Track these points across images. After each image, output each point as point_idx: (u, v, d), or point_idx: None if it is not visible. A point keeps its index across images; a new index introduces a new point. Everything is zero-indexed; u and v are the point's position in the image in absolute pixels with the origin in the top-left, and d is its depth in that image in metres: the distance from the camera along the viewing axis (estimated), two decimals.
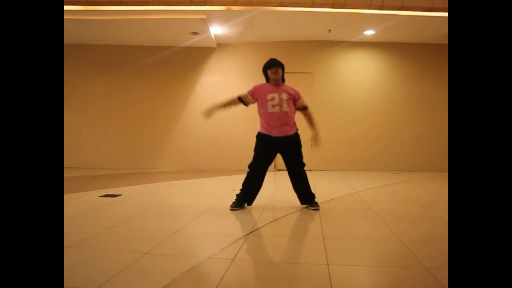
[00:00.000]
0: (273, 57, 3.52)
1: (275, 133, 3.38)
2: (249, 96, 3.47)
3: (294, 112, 3.48)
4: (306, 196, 3.55)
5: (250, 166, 3.48)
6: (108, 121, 7.62)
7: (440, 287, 1.71)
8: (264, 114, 3.41)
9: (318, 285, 1.76)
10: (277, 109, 3.34)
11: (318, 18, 6.03)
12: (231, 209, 3.40)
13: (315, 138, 3.54)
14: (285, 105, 3.35)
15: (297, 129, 3.49)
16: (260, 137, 3.46)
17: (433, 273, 1.87)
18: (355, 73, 7.58)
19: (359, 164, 7.44)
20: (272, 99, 3.35)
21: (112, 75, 7.60)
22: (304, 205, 3.58)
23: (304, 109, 3.52)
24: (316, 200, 3.55)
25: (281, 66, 3.44)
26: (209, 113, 3.48)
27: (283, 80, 3.50)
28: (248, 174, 3.48)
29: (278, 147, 3.44)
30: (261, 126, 3.47)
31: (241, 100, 3.48)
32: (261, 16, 5.88)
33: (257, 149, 3.47)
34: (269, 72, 3.43)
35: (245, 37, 7.13)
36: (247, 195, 3.50)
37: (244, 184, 3.50)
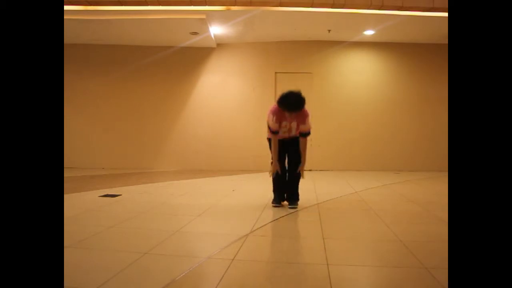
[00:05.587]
0: (289, 91, 3.34)
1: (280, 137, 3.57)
2: (276, 125, 3.45)
3: None
4: (292, 194, 3.64)
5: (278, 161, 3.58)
6: (108, 121, 7.62)
7: (440, 287, 1.71)
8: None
9: (318, 285, 1.76)
10: (286, 134, 3.55)
11: (318, 18, 6.02)
12: (273, 206, 3.61)
13: (301, 168, 3.53)
14: (293, 131, 3.54)
15: None
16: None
17: (433, 273, 1.88)
18: (355, 73, 7.58)
19: (359, 164, 7.44)
20: (285, 126, 3.50)
21: (112, 75, 7.60)
22: (285, 202, 3.67)
23: (303, 135, 3.49)
24: (297, 203, 3.62)
25: (302, 107, 3.34)
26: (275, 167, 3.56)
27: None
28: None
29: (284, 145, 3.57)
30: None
31: (275, 133, 3.49)
32: (261, 16, 5.87)
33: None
34: (287, 113, 3.35)
35: (245, 37, 7.13)
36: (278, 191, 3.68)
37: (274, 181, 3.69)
